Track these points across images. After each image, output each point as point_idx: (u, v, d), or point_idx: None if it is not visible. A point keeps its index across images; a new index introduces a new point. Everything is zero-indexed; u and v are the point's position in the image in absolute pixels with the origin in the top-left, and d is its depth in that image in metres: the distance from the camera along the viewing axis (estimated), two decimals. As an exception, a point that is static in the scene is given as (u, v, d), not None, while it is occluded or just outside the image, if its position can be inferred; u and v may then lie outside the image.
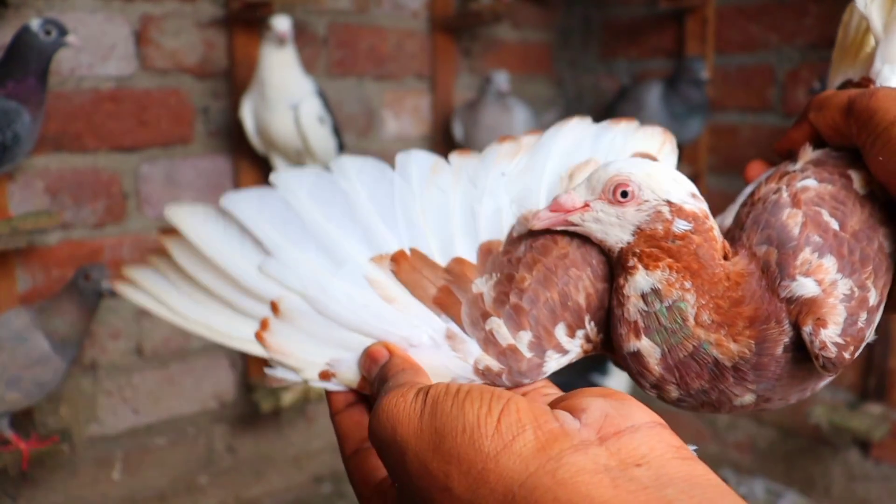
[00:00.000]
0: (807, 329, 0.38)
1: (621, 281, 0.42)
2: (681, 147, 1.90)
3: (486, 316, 0.43)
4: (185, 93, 1.58)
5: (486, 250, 0.45)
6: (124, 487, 1.60)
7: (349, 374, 0.44)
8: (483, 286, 0.44)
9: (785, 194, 0.43)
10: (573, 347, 0.43)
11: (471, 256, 0.45)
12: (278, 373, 0.46)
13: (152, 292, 0.50)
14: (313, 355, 0.45)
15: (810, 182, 0.43)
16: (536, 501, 0.26)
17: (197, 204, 0.48)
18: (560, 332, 0.43)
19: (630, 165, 0.42)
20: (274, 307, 0.46)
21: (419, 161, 0.49)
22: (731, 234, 0.45)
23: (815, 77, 1.64)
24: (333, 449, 1.82)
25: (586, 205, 0.43)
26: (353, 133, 1.81)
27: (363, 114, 1.83)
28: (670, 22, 1.91)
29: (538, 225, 0.43)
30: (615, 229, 0.42)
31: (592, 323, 0.44)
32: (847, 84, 0.52)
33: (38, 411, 1.44)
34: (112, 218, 1.52)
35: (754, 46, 1.78)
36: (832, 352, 0.38)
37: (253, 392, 1.66)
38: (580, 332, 0.43)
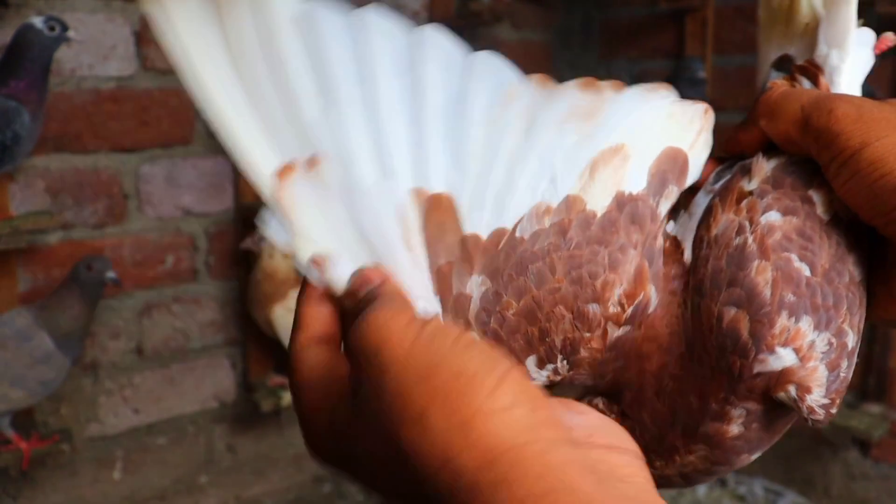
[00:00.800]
0: (791, 395, 0.37)
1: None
2: (680, 147, 1.90)
3: (466, 325, 0.40)
4: (186, 93, 1.57)
5: (496, 238, 0.40)
6: (125, 487, 1.60)
7: (338, 281, 0.39)
8: (475, 289, 0.40)
9: (750, 240, 0.39)
10: (539, 377, 0.41)
11: (487, 234, 0.41)
12: (271, 228, 0.40)
13: (189, 33, 0.40)
14: (317, 236, 0.40)
15: (774, 218, 0.39)
16: (520, 473, 0.25)
17: None
18: (530, 362, 0.41)
19: None
20: (313, 161, 0.39)
21: (499, 78, 0.43)
22: (690, 299, 0.41)
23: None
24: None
25: None
26: (354, 133, 1.81)
27: (363, 114, 1.83)
28: (670, 22, 1.91)
29: None
30: None
31: (565, 362, 0.41)
32: (786, 62, 0.48)
33: (38, 411, 1.44)
34: (113, 218, 1.53)
35: (754, 47, 1.78)
36: (821, 415, 0.37)
37: (253, 392, 1.66)
38: (550, 366, 0.41)
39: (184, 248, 1.62)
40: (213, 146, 1.63)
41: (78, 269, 1.31)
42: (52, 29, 1.22)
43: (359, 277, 0.39)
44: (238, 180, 1.65)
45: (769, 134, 0.43)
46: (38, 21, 1.22)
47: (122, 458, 1.60)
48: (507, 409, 0.27)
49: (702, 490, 1.87)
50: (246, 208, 1.62)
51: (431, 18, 1.88)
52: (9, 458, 1.30)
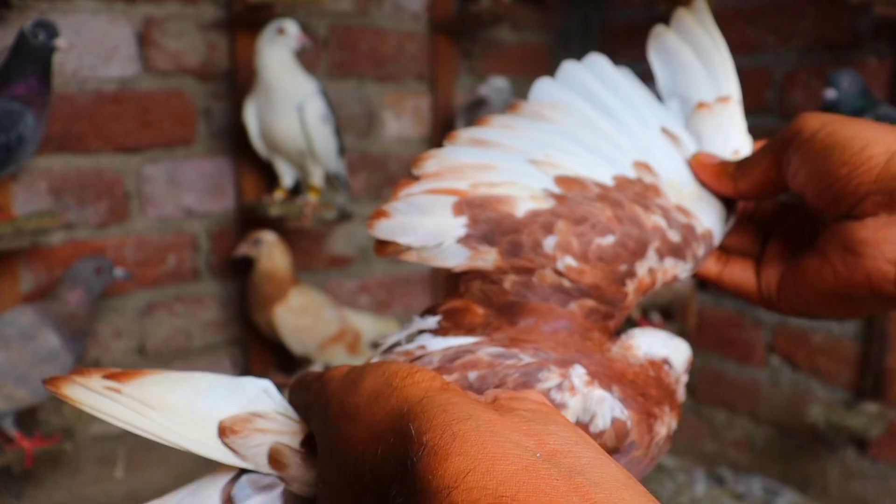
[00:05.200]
0: None
1: None
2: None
3: None
4: (188, 94, 1.59)
5: None
6: (127, 485, 1.61)
7: None
8: None
9: None
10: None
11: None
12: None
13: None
14: None
15: None
16: (432, 419, 0.29)
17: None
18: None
19: None
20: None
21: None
22: None
23: (819, 81, 1.65)
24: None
25: None
26: (354, 134, 1.82)
27: (363, 115, 1.84)
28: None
29: None
30: None
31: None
32: None
33: (41, 410, 1.45)
34: (115, 218, 1.54)
35: (752, 48, 1.79)
36: None
37: (254, 391, 1.67)
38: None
39: (185, 248, 1.63)
40: (215, 147, 1.64)
41: (80, 266, 1.32)
42: (35, 36, 1.22)
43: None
44: (239, 180, 1.66)
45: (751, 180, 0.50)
46: (26, 27, 1.22)
47: (125, 456, 1.60)
48: (420, 382, 0.32)
49: (700, 489, 1.88)
50: (247, 208, 1.63)
51: (431, 20, 1.89)
52: (12, 457, 1.30)
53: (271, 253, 1.55)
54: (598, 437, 0.38)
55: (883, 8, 1.41)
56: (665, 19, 0.66)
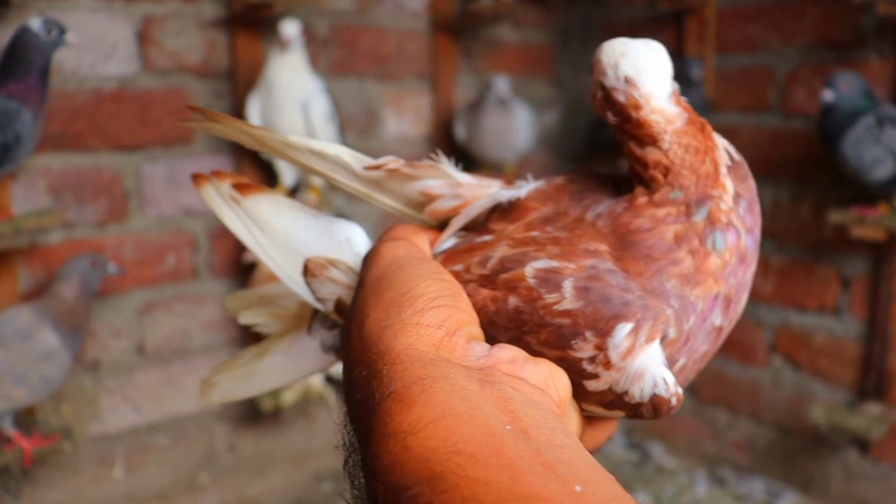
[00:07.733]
0: None
1: None
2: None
3: None
4: (187, 92, 1.59)
5: None
6: (126, 486, 1.60)
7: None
8: None
9: None
10: None
11: None
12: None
13: None
14: None
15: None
16: (406, 369, 0.29)
17: None
18: None
19: None
20: None
21: None
22: None
23: (821, 80, 1.64)
24: (334, 448, 1.83)
25: None
26: (355, 133, 1.82)
27: (364, 114, 1.84)
28: (670, 23, 1.92)
29: None
30: None
31: None
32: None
33: (39, 410, 1.45)
34: (114, 217, 1.53)
35: (754, 47, 1.79)
36: None
37: (254, 391, 1.66)
38: None
39: (185, 248, 1.63)
40: (214, 146, 1.63)
41: (75, 262, 1.32)
42: (49, 32, 1.22)
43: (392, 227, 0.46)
44: (239, 180, 1.65)
45: None
46: (35, 24, 1.22)
47: (124, 456, 1.60)
48: (423, 326, 0.32)
49: (701, 490, 1.87)
50: (247, 208, 1.62)
51: (432, 19, 1.89)
52: (10, 457, 1.30)
53: None
54: (636, 406, 0.37)
55: (885, 7, 1.40)
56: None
